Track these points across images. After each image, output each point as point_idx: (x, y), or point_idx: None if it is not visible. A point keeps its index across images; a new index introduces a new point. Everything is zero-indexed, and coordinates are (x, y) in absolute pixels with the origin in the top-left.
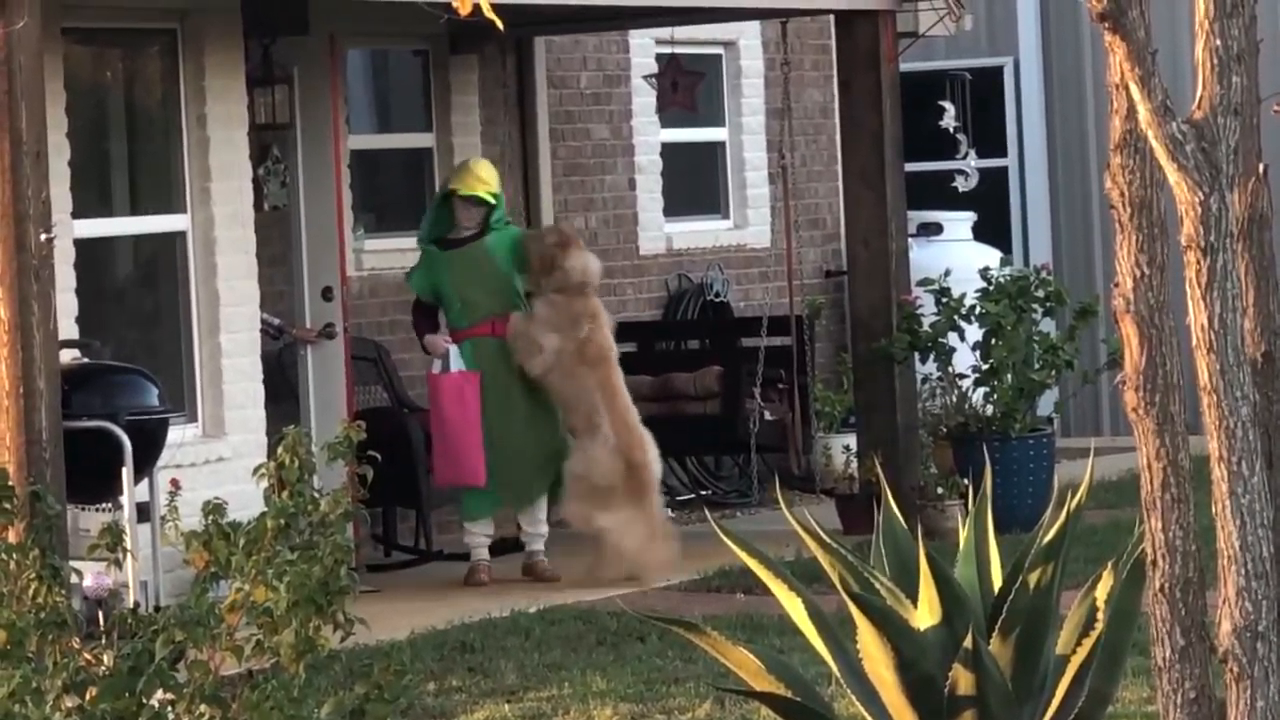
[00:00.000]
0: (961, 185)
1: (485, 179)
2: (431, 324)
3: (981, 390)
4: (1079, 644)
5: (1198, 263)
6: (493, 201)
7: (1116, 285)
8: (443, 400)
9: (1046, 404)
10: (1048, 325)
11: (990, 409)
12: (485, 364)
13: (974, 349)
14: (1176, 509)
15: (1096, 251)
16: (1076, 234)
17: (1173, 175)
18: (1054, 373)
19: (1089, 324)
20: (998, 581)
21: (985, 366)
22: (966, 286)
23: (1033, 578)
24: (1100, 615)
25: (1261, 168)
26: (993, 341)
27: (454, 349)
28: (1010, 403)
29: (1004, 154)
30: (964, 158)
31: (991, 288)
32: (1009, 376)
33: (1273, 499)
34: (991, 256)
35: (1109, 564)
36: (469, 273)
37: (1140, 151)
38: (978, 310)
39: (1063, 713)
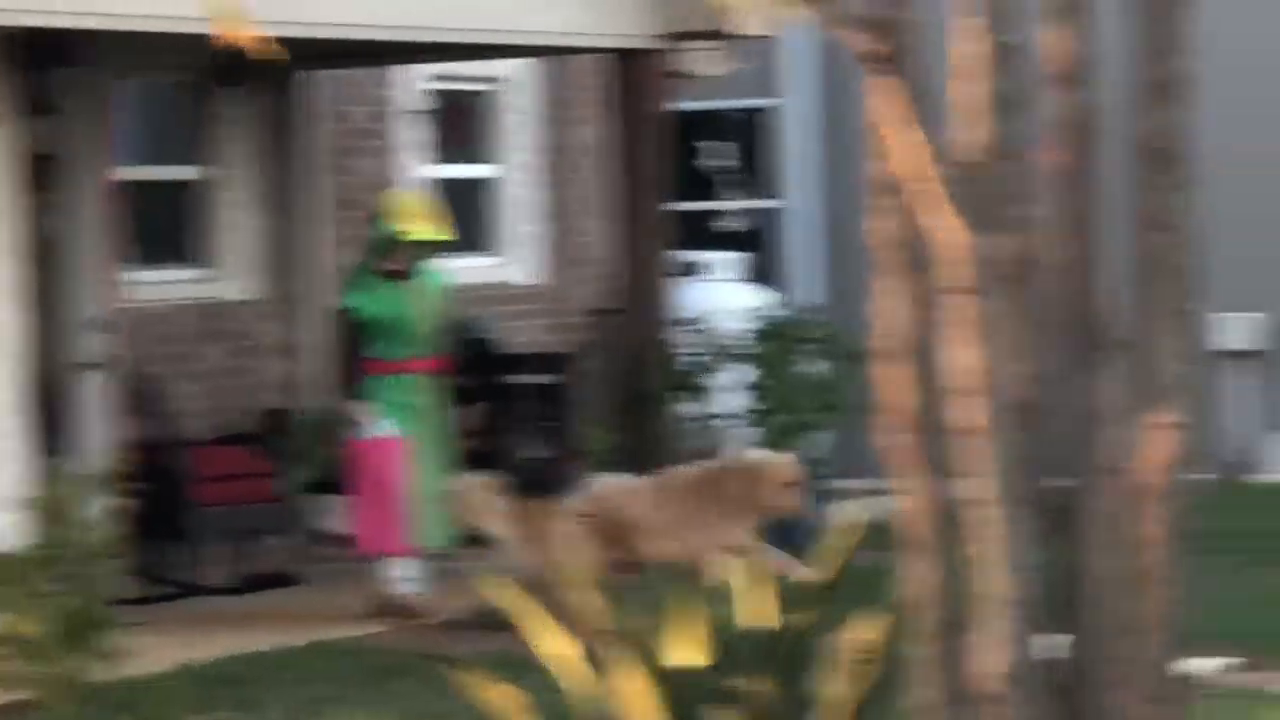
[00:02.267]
0: (732, 225)
1: (431, 216)
2: (357, 356)
3: (751, 430)
4: (845, 685)
5: (964, 306)
6: (445, 240)
7: (881, 327)
8: (375, 466)
9: (817, 445)
10: (818, 366)
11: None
12: (423, 398)
13: (743, 389)
14: (938, 552)
15: (867, 293)
16: (847, 276)
17: (940, 218)
18: (823, 414)
19: (859, 366)
20: (764, 621)
21: (755, 407)
22: (735, 327)
23: (799, 618)
24: (867, 657)
25: (1030, 211)
26: (763, 382)
27: (375, 416)
28: (780, 443)
29: (775, 195)
30: (735, 198)
31: (761, 328)
32: (778, 417)
33: (1035, 543)
34: (761, 297)
35: (874, 605)
36: (423, 307)
37: (906, 194)
38: (747, 350)
39: None
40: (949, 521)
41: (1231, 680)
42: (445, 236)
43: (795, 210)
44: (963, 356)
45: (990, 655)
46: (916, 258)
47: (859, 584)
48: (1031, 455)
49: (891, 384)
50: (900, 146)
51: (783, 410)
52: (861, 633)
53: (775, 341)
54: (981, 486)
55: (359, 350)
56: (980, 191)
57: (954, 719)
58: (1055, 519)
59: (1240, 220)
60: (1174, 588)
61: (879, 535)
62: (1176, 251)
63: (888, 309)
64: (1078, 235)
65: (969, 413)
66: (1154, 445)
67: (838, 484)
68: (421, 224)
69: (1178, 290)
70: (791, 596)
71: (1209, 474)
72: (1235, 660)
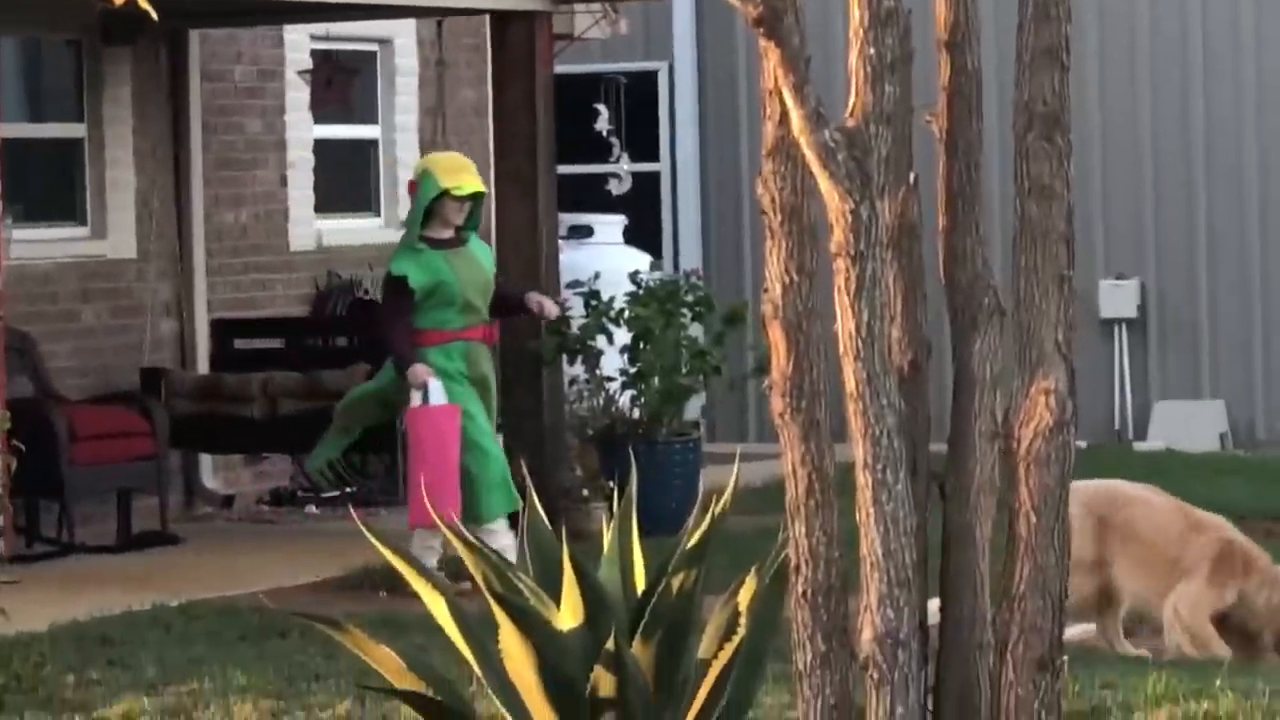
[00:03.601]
0: (614, 189)
1: (476, 172)
2: (409, 325)
3: (629, 393)
4: (721, 648)
5: (847, 270)
6: (484, 194)
7: (766, 291)
8: (427, 436)
9: (693, 409)
10: (696, 330)
11: (637, 412)
12: (478, 369)
13: (622, 352)
14: (820, 515)
15: (746, 258)
16: (727, 240)
17: (824, 182)
18: (701, 378)
19: (737, 330)
20: (641, 584)
21: (633, 370)
22: (616, 290)
23: (676, 581)
24: (743, 620)
25: (912, 177)
26: (641, 345)
27: (435, 382)
28: (657, 406)
29: (657, 159)
30: (617, 161)
31: (641, 292)
32: (656, 380)
33: (916, 507)
34: (642, 260)
35: (752, 569)
36: (471, 274)
37: (792, 158)
38: (626, 314)
39: (704, 716)
40: (832, 485)
41: (1102, 644)
42: (484, 190)
43: (674, 174)
44: (846, 321)
45: (866, 619)
46: (804, 222)
47: (736, 547)
48: (913, 419)
49: (779, 348)
50: (791, 110)
51: (660, 374)
52: (734, 596)
53: (654, 305)
54: (864, 450)
55: (408, 320)
56: (861, 156)
57: (829, 683)
58: (936, 483)
59: (1119, 187)
60: (1053, 554)
61: (757, 498)
62: (1058, 218)
63: (777, 273)
64: (959, 201)
65: (851, 377)
66: (1034, 411)
67: (711, 448)
68: (469, 178)
69: (1059, 256)
70: (669, 559)
71: (1093, 440)
72: (1091, 626)
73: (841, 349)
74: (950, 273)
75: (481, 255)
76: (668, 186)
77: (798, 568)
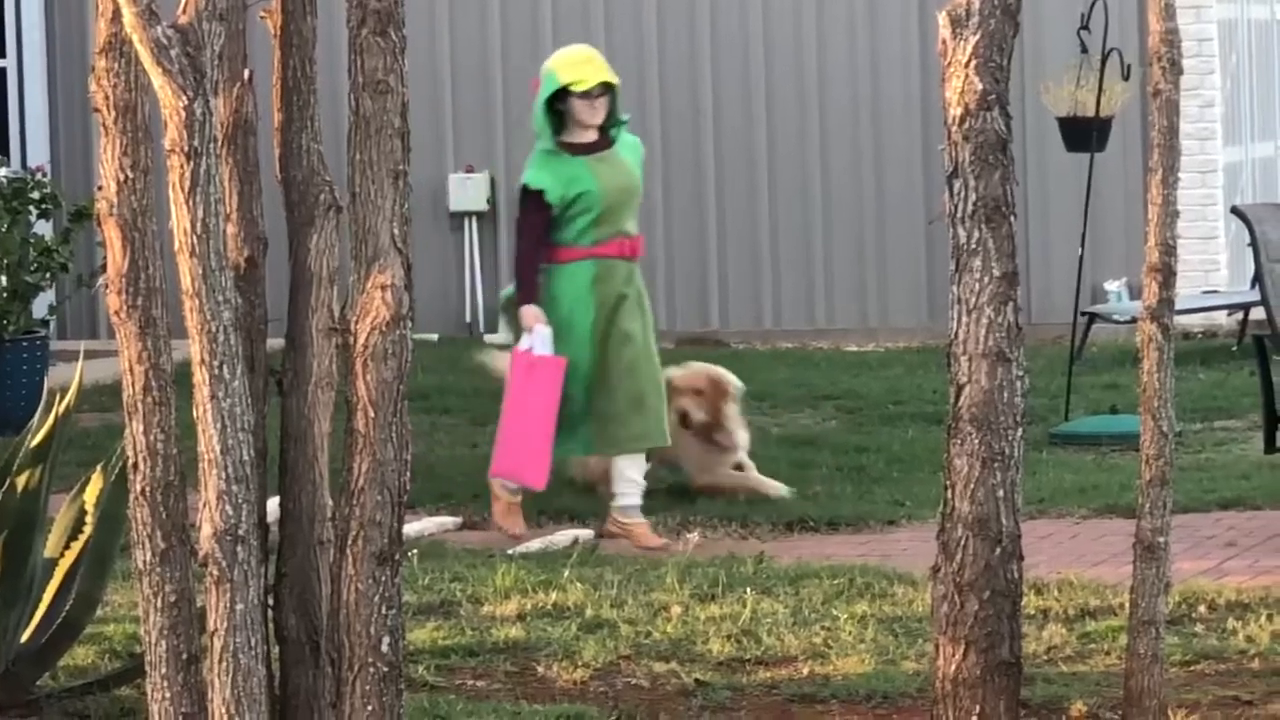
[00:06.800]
0: None
1: (601, 62)
2: (540, 247)
3: None
4: (68, 547)
5: (181, 167)
6: (616, 84)
7: (100, 189)
8: (530, 386)
9: (42, 307)
10: (44, 228)
11: None
12: (610, 287)
13: None
14: (158, 412)
15: (95, 154)
16: (75, 136)
17: (157, 79)
18: (49, 275)
19: (85, 227)
20: None
21: None
22: None
23: (21, 480)
24: (89, 518)
25: (247, 73)
26: None
27: (545, 330)
28: (3, 305)
29: (2, 54)
30: None
31: None
32: (2, 279)
33: (254, 403)
34: None
35: (98, 467)
36: (614, 181)
37: (126, 55)
38: None
39: (51, 615)
40: (170, 382)
41: (452, 539)
42: (615, 80)
43: (20, 69)
44: (181, 218)
45: (205, 516)
46: (139, 119)
47: (86, 445)
48: (250, 316)
49: (115, 246)
50: (123, 7)
51: (6, 272)
52: (80, 494)
53: None
54: (201, 347)
55: (541, 240)
56: (194, 53)
57: (169, 580)
58: (274, 379)
59: (466, 81)
60: (391, 448)
61: (107, 396)
62: (392, 113)
63: (112, 171)
64: (294, 97)
65: (187, 273)
66: (371, 306)
67: (62, 346)
68: (589, 70)
69: (394, 151)
70: (13, 458)
71: (445, 333)
72: (451, 520)
73: (177, 246)
74: (286, 169)
75: (630, 157)
76: (14, 82)
77: (136, 465)
